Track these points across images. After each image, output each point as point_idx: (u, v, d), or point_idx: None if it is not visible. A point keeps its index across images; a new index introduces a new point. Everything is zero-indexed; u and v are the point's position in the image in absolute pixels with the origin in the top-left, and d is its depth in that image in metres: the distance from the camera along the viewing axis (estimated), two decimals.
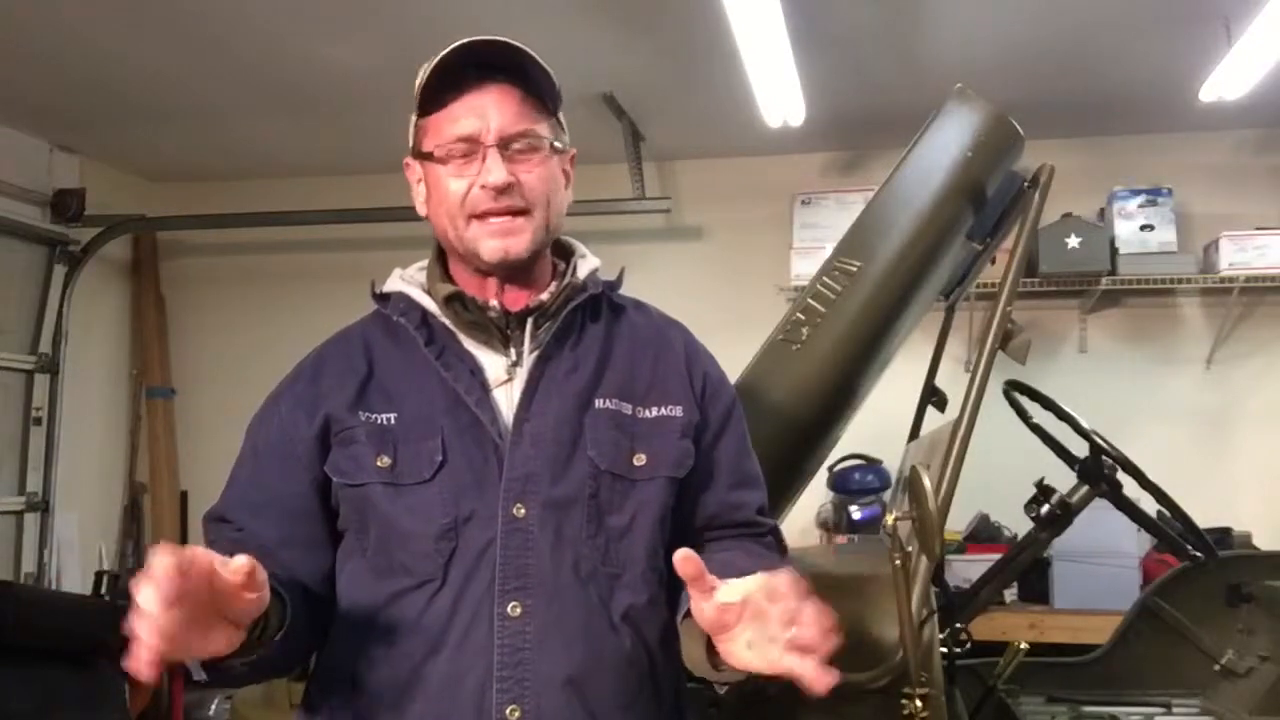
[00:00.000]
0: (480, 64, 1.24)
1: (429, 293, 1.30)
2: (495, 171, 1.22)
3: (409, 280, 1.32)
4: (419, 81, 1.25)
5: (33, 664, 3.25)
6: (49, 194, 4.29)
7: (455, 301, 1.27)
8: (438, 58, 1.22)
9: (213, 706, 3.98)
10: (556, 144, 1.28)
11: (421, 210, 1.32)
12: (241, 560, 0.94)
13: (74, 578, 4.31)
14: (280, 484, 1.25)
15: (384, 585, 1.20)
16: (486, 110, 1.23)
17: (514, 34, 1.27)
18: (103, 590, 3.97)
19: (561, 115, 1.31)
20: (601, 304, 1.33)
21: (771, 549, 1.34)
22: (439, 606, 1.17)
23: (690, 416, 1.29)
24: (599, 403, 1.25)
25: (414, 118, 1.29)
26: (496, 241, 1.24)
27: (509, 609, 1.16)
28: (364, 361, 1.28)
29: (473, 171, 1.23)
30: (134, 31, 3.26)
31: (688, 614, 1.09)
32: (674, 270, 4.29)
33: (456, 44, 1.22)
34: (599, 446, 1.23)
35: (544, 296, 1.28)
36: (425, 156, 1.27)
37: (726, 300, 4.11)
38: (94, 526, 4.54)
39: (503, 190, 1.22)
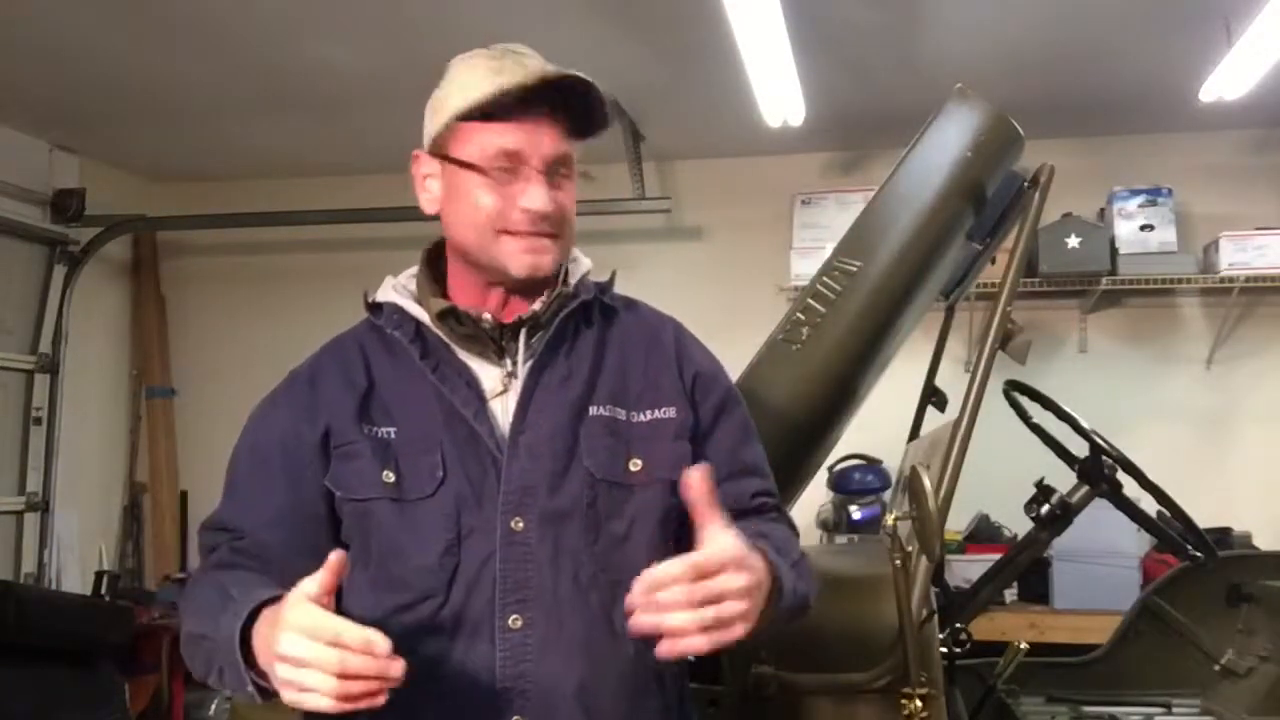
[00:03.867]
0: (533, 89, 1.22)
1: (420, 303, 1.29)
2: (540, 198, 1.22)
3: (400, 290, 1.31)
4: (476, 89, 1.21)
5: (33, 664, 3.25)
6: (49, 194, 4.29)
7: (449, 316, 1.27)
8: (511, 81, 1.20)
9: (213, 706, 3.98)
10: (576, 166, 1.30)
11: (429, 208, 1.30)
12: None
13: (74, 578, 4.31)
14: (285, 493, 1.24)
15: (386, 599, 1.20)
16: (537, 133, 1.23)
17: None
18: (103, 590, 3.98)
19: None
20: (594, 309, 1.33)
21: (772, 522, 1.33)
22: (442, 621, 1.18)
23: (684, 417, 1.29)
24: (593, 410, 1.25)
25: (449, 118, 1.24)
26: (529, 258, 1.24)
27: (510, 621, 1.17)
28: (363, 373, 1.28)
29: (510, 189, 1.23)
30: (134, 31, 3.26)
31: None
32: (674, 270, 4.29)
33: (538, 75, 1.21)
34: (595, 456, 1.23)
35: (536, 307, 1.28)
36: (459, 162, 1.25)
37: (726, 300, 4.11)
38: (94, 526, 4.54)
39: (544, 216, 1.23)
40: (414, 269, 1.34)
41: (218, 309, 4.82)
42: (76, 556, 4.37)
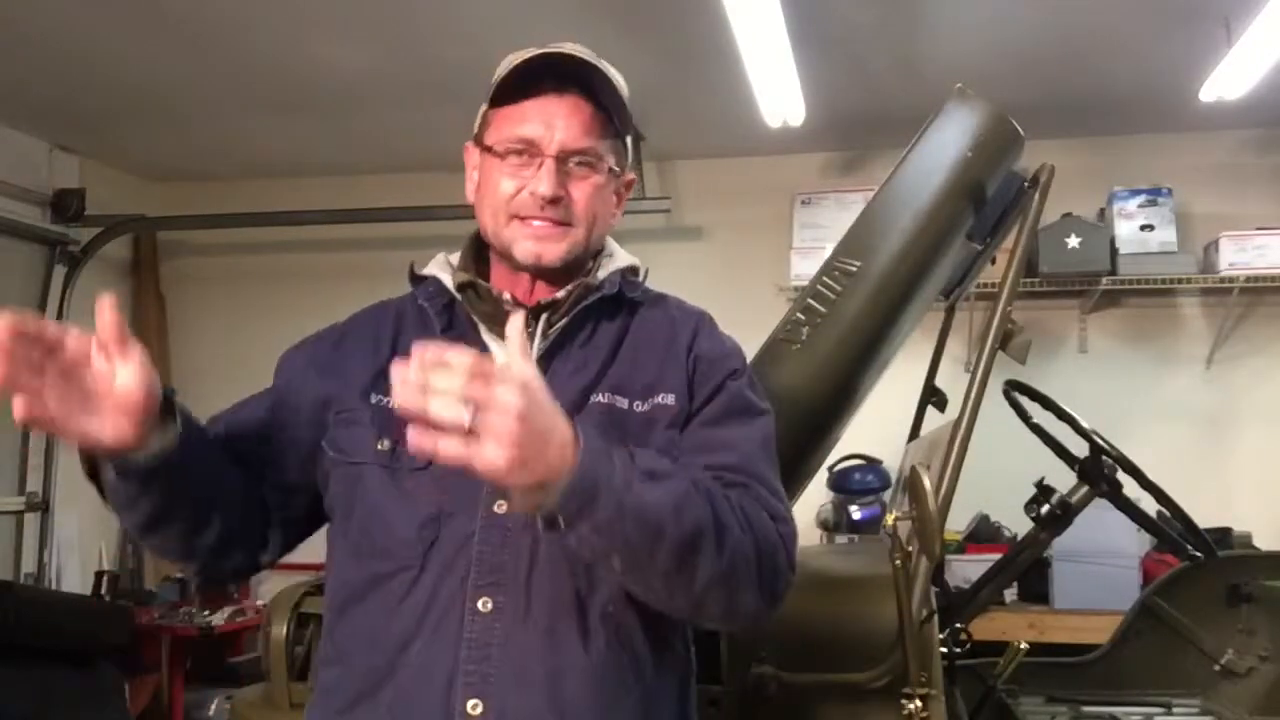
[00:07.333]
0: (560, 71, 1.26)
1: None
2: (546, 183, 1.24)
3: (444, 266, 1.34)
4: (498, 73, 1.28)
5: (33, 664, 3.25)
6: (49, 194, 4.30)
7: (469, 290, 1.30)
8: (522, 57, 1.25)
9: (213, 706, 3.98)
10: (614, 167, 1.31)
11: (470, 197, 1.35)
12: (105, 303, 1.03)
13: (74, 578, 4.31)
14: (264, 411, 1.32)
15: (365, 568, 1.22)
16: (555, 119, 1.26)
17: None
18: (103, 590, 3.98)
19: (629, 139, 1.33)
20: (620, 304, 1.33)
21: (716, 481, 1.19)
22: (417, 595, 1.18)
23: (682, 404, 1.26)
24: (595, 398, 1.25)
25: (484, 106, 1.32)
26: (532, 244, 1.27)
27: (479, 604, 1.17)
28: (389, 343, 1.31)
29: (526, 175, 1.26)
30: (134, 31, 3.26)
31: None
32: (674, 270, 4.25)
33: (542, 50, 1.25)
34: None
35: (559, 294, 1.29)
36: (485, 147, 1.30)
37: (726, 300, 4.10)
38: (94, 526, 4.53)
39: (550, 202, 1.25)
40: None
41: (218, 309, 4.82)
42: (76, 556, 4.38)
